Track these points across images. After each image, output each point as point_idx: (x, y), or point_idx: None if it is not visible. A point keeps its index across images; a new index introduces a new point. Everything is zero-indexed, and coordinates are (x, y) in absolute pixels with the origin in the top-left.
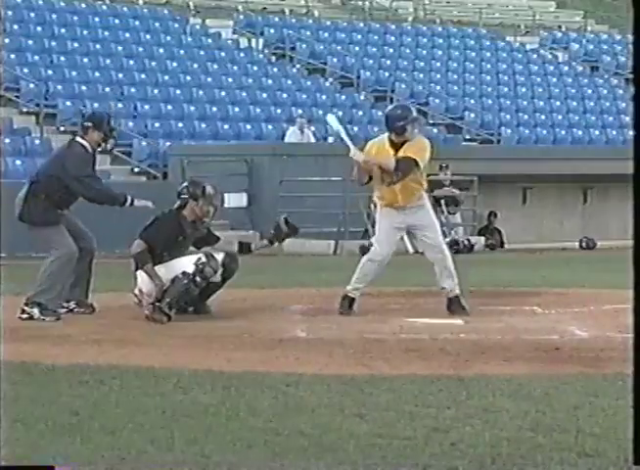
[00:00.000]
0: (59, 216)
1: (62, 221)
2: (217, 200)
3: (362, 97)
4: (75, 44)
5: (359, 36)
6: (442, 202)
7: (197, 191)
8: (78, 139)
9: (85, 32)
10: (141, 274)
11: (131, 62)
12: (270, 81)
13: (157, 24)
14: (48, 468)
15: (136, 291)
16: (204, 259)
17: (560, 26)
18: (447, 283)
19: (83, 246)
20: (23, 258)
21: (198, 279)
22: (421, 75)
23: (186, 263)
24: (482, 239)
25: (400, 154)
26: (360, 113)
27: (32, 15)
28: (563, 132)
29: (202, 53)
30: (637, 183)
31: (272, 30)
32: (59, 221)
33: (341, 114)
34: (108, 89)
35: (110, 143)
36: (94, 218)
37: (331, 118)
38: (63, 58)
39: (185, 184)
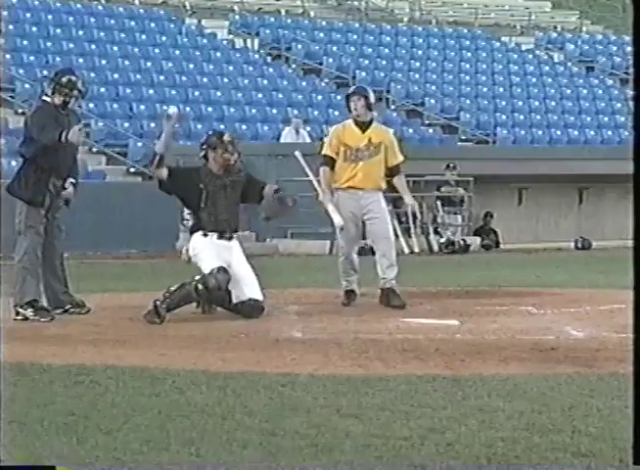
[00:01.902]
0: (44, 200)
1: (44, 209)
2: (236, 146)
3: None
4: (71, 45)
5: (355, 37)
6: (439, 203)
7: (214, 140)
8: (43, 97)
9: (81, 33)
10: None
11: (127, 62)
12: (266, 82)
13: (152, 25)
14: (49, 468)
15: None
16: (215, 272)
17: (555, 27)
18: (388, 273)
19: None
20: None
21: (200, 287)
22: (416, 76)
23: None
24: (478, 239)
25: (369, 136)
26: None
27: (28, 15)
28: (558, 133)
29: (197, 53)
30: (637, 183)
31: (268, 31)
32: (42, 205)
33: (337, 113)
34: (103, 89)
35: (59, 99)
36: (92, 220)
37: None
38: (58, 58)
39: (205, 136)
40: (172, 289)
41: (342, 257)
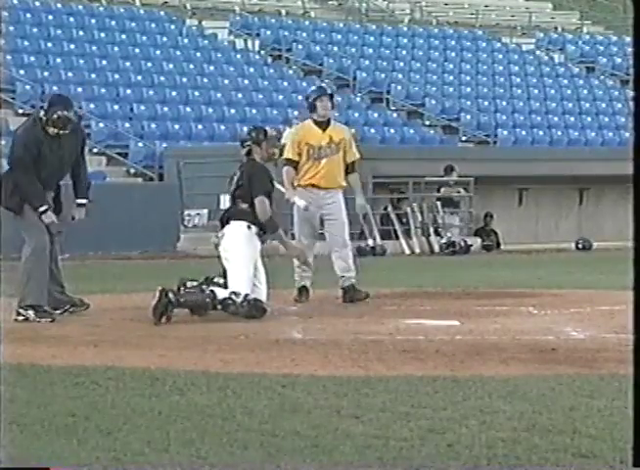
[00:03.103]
0: (20, 204)
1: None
2: (279, 141)
3: (358, 98)
4: (71, 45)
5: (355, 37)
6: (439, 204)
7: (259, 136)
8: (40, 114)
9: (81, 34)
10: (229, 228)
11: (127, 63)
12: (266, 83)
13: (153, 26)
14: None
15: (220, 235)
16: (239, 299)
17: (556, 28)
18: (346, 273)
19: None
20: (17, 259)
21: (218, 307)
22: (417, 77)
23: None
24: (479, 240)
25: (330, 134)
26: (356, 114)
27: (28, 16)
28: (559, 133)
29: (198, 54)
30: (637, 184)
31: (268, 32)
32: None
33: (337, 114)
34: (104, 90)
35: (53, 129)
36: (93, 220)
37: None
38: (59, 59)
39: (246, 132)
40: (190, 285)
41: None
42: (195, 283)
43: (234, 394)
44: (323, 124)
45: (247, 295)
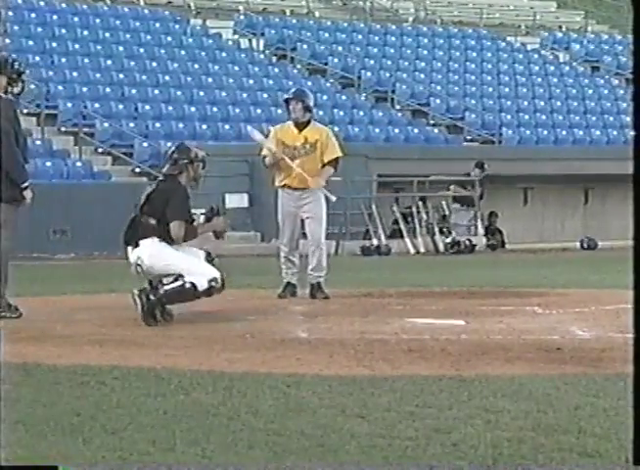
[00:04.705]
0: (15, 193)
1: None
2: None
3: (363, 97)
4: (76, 45)
5: (360, 37)
6: (450, 201)
7: (191, 155)
8: None
9: (86, 33)
10: (141, 249)
11: (132, 62)
12: (271, 82)
13: (157, 25)
14: (51, 468)
15: (139, 262)
16: (218, 285)
17: (560, 27)
18: (315, 271)
19: None
20: (23, 259)
21: (201, 297)
22: (422, 76)
23: (198, 265)
24: (484, 239)
25: (306, 135)
26: (361, 113)
27: (33, 15)
28: (564, 133)
29: (202, 54)
30: (637, 183)
31: (273, 31)
32: (14, 199)
33: (342, 113)
34: (108, 90)
35: (18, 87)
36: (98, 220)
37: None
38: (63, 59)
39: (175, 149)
40: (165, 281)
41: (283, 251)
42: (171, 278)
43: (239, 393)
44: (301, 125)
45: (222, 275)
